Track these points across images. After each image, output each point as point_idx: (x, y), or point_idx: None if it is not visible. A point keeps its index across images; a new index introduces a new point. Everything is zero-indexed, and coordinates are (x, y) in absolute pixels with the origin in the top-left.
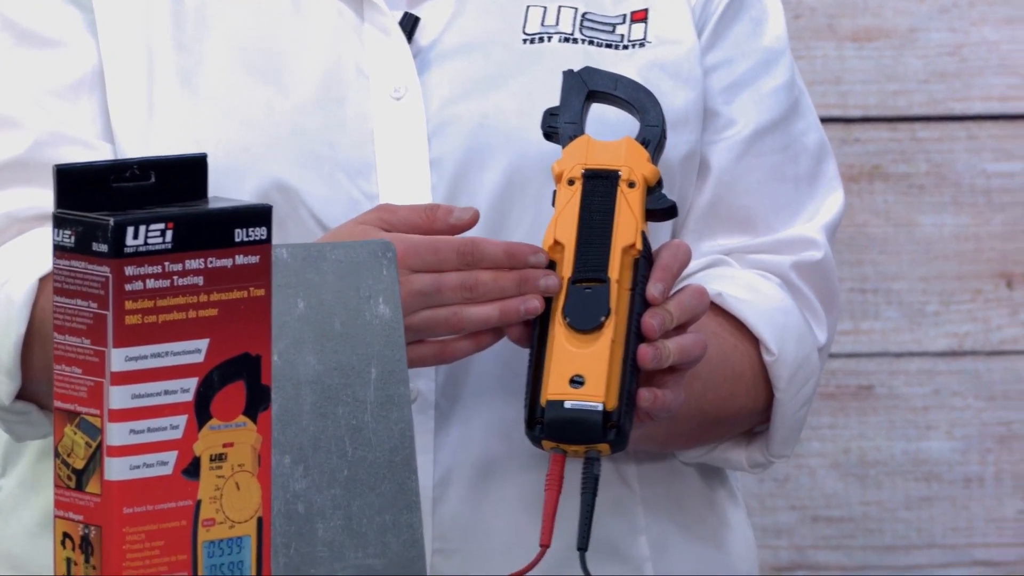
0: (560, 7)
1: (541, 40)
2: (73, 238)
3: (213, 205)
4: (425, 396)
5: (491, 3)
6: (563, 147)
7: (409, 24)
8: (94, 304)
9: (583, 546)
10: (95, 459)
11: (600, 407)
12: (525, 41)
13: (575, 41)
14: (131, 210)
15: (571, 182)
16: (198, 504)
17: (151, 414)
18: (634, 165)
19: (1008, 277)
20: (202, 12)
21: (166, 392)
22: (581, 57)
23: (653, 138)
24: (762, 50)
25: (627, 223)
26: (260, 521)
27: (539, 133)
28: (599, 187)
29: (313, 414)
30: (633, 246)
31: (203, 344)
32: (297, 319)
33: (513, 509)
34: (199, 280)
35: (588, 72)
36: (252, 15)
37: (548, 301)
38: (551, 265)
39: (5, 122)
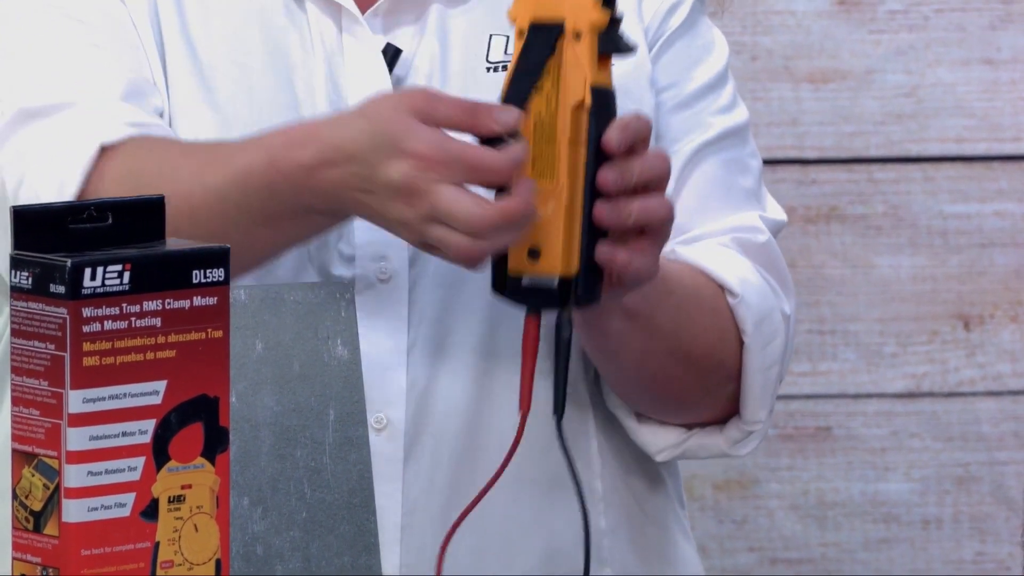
0: None
1: (504, 69)
2: (30, 279)
3: (170, 247)
4: (395, 425)
5: (457, 32)
6: None
7: (390, 55)
8: (51, 346)
9: (558, 411)
10: (53, 501)
11: (555, 280)
12: (489, 70)
13: None
14: (88, 251)
15: (521, 33)
16: (156, 546)
17: (109, 456)
18: (579, 13)
19: (965, 318)
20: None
21: (124, 434)
22: None
23: None
24: (706, 76)
25: (575, 79)
26: (219, 563)
27: None
28: (537, 42)
29: (272, 456)
30: (582, 103)
31: (161, 386)
32: (255, 360)
33: (481, 538)
34: (157, 321)
35: None
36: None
37: None
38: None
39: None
